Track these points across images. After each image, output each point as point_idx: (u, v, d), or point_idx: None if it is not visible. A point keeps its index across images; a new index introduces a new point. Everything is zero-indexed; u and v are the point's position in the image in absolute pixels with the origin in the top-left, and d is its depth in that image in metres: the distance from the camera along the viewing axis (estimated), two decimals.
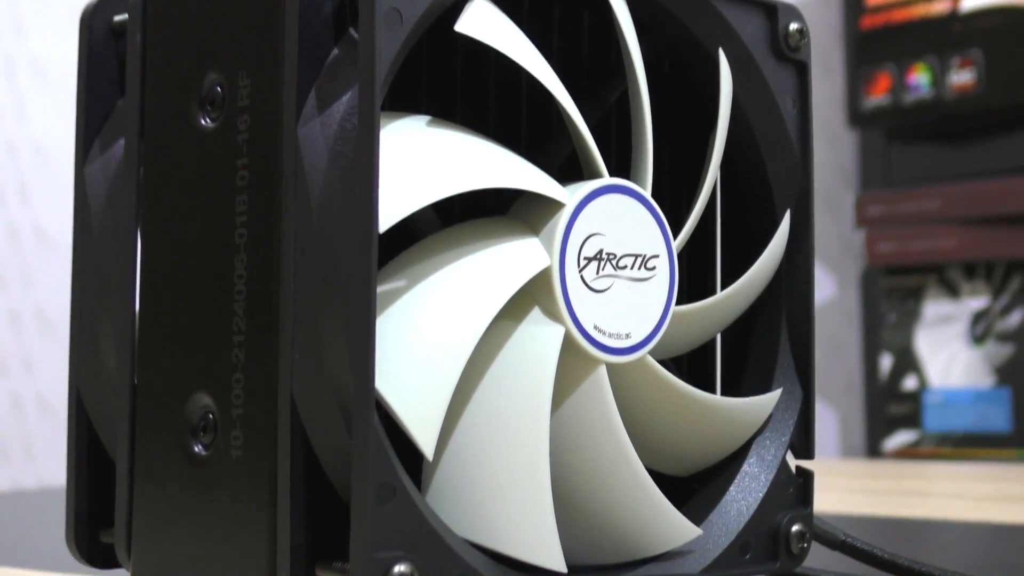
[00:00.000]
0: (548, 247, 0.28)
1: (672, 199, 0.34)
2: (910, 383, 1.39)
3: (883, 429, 1.40)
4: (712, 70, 0.32)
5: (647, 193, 0.30)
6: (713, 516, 0.32)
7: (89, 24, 0.33)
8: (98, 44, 0.33)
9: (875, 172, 1.47)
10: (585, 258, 0.28)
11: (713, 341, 0.35)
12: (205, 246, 0.28)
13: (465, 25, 0.27)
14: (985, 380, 1.33)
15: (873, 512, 0.71)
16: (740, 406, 0.32)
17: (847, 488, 0.92)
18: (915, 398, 1.38)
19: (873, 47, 1.42)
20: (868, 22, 1.43)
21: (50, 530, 0.66)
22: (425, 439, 0.26)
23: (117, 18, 0.33)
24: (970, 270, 1.36)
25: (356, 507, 0.25)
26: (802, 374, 0.33)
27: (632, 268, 0.29)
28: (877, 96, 1.40)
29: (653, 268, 0.30)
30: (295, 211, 0.26)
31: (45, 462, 1.30)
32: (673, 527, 0.30)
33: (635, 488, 0.29)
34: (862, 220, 1.42)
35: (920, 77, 1.38)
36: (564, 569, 0.28)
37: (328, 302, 0.26)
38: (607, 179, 0.29)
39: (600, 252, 0.29)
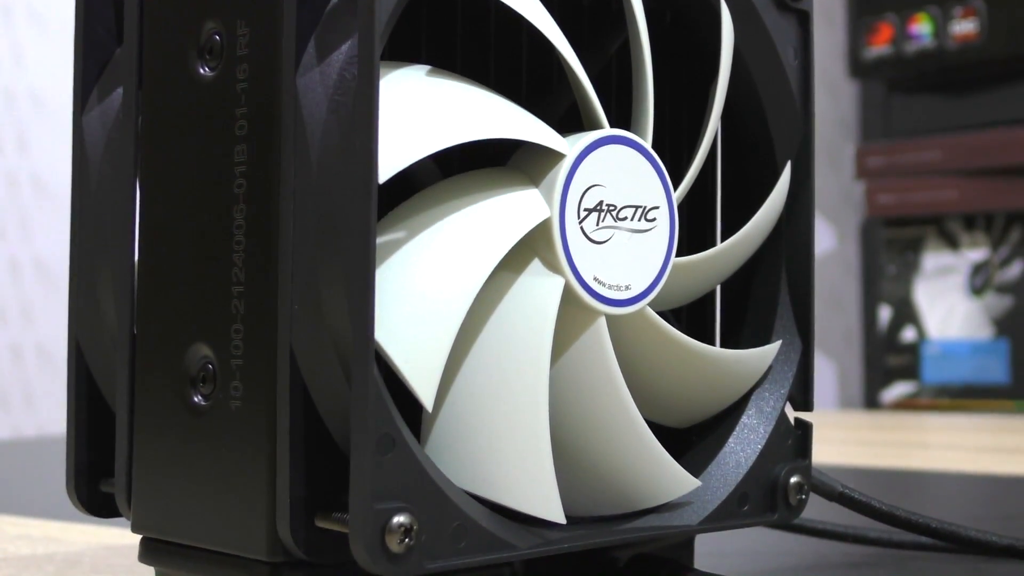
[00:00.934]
0: (548, 198, 0.28)
1: (673, 150, 0.34)
2: (909, 335, 1.39)
3: (881, 381, 1.40)
4: (714, 20, 0.32)
5: (648, 144, 0.30)
6: (712, 468, 0.32)
7: None
8: None
9: (875, 123, 1.46)
10: (585, 209, 0.28)
11: (713, 292, 0.35)
12: (204, 196, 0.28)
13: None
14: (984, 332, 1.33)
15: (872, 463, 0.71)
16: (739, 358, 0.32)
17: (845, 440, 0.92)
18: (914, 350, 1.39)
19: None
20: None
21: (51, 479, 0.66)
22: (425, 390, 0.26)
23: None
24: (970, 222, 1.36)
25: (355, 458, 0.25)
26: (802, 326, 0.33)
27: (632, 219, 0.29)
28: (879, 46, 1.40)
29: (653, 219, 0.30)
30: (294, 161, 0.26)
31: (45, 410, 1.30)
32: (672, 478, 0.30)
33: (634, 439, 0.29)
34: (862, 172, 1.41)
35: (922, 27, 1.37)
36: (563, 520, 0.28)
37: (327, 253, 0.26)
38: (607, 130, 0.29)
39: (600, 203, 0.29)
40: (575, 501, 0.29)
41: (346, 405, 0.26)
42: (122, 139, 0.31)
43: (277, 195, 0.26)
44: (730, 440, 0.32)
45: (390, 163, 0.25)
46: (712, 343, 0.35)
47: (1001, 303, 1.34)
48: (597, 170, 0.29)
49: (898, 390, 1.40)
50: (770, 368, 0.33)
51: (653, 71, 0.30)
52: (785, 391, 0.33)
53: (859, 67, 1.42)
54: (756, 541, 0.41)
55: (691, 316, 0.35)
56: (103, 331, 0.31)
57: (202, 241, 0.28)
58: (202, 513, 0.28)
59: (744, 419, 0.33)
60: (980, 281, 1.36)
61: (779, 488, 0.32)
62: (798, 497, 0.33)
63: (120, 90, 0.31)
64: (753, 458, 0.32)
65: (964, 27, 1.33)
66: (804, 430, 0.33)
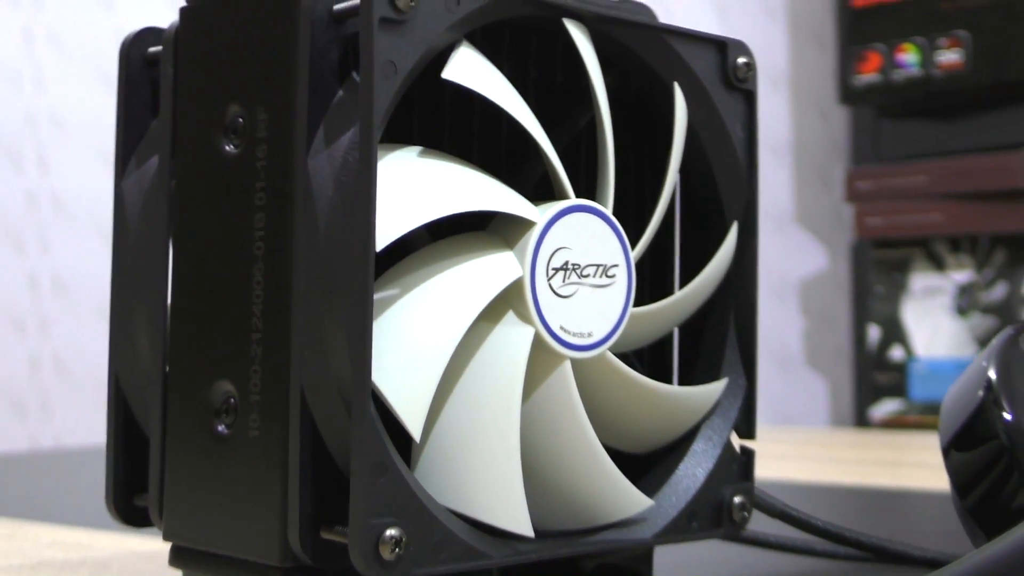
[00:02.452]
0: (521, 260, 0.33)
1: (637, 211, 0.39)
2: (897, 353, 1.44)
3: (870, 398, 1.45)
4: (670, 99, 0.37)
5: (608, 211, 0.34)
6: (665, 489, 0.37)
7: (127, 54, 0.37)
8: (134, 72, 0.37)
9: (866, 147, 1.51)
10: (553, 268, 0.33)
11: (671, 336, 0.40)
12: (228, 255, 0.33)
13: (450, 72, 0.32)
14: (969, 351, 1.38)
15: (862, 482, 0.75)
16: (690, 393, 0.37)
17: (835, 459, 0.96)
18: (901, 368, 1.43)
19: (864, 26, 1.45)
20: (859, 1, 1.47)
21: (75, 489, 0.71)
22: (413, 424, 0.31)
23: (151, 50, 0.37)
24: (955, 244, 1.41)
25: (354, 481, 0.30)
26: (746, 366, 0.38)
27: (594, 276, 0.34)
28: (868, 74, 1.44)
29: (613, 276, 0.34)
30: (305, 230, 0.31)
31: (61, 421, 1.35)
32: (628, 498, 0.35)
33: (595, 465, 0.34)
34: (851, 194, 1.46)
35: (909, 56, 1.42)
36: (532, 534, 0.33)
37: (332, 307, 0.31)
38: (572, 200, 0.34)
39: (566, 263, 0.33)
40: (544, 517, 0.34)
41: (347, 436, 0.31)
42: (157, 201, 0.36)
43: (290, 257, 0.31)
44: (682, 465, 0.37)
45: (385, 234, 0.30)
46: (670, 379, 0.39)
47: (986, 323, 1.39)
48: (563, 235, 0.33)
49: (887, 407, 1.45)
50: (718, 402, 0.38)
51: (620, 142, 0.35)
52: (731, 422, 0.38)
53: (849, 94, 1.47)
54: (712, 553, 0.45)
55: (652, 356, 0.40)
56: (138, 367, 0.36)
57: (225, 293, 0.33)
58: (224, 525, 0.33)
59: (694, 447, 0.37)
60: (966, 302, 1.41)
61: (724, 507, 0.37)
62: (741, 514, 0.38)
63: (155, 158, 0.36)
64: (701, 481, 0.37)
65: (949, 57, 1.38)
66: (748, 456, 0.38)
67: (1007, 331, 0.35)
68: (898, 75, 1.42)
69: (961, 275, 1.40)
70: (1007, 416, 0.32)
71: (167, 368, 0.35)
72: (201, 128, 0.34)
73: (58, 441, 1.33)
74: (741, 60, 0.38)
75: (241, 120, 0.33)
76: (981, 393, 0.33)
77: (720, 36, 0.37)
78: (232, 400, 0.33)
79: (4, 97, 1.39)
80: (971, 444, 0.33)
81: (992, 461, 0.32)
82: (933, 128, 1.45)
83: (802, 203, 1.64)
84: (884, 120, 1.48)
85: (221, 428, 0.33)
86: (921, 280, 1.44)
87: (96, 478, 0.40)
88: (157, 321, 0.35)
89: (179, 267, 0.35)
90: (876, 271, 1.47)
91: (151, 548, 0.49)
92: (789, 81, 1.64)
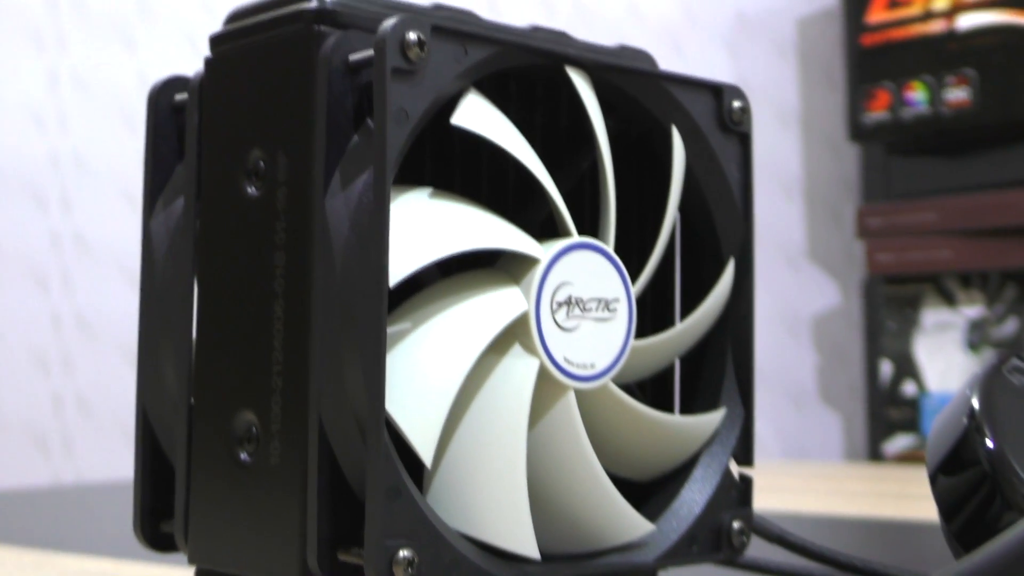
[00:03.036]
0: (526, 295, 0.35)
1: (639, 248, 0.41)
2: (909, 389, 1.45)
3: (883, 433, 1.46)
4: (669, 141, 0.39)
5: (610, 248, 0.36)
6: (666, 514, 0.38)
7: (155, 102, 0.39)
8: (161, 118, 0.39)
9: (877, 184, 1.53)
10: (557, 303, 0.35)
11: (672, 367, 0.41)
12: (250, 291, 0.35)
13: (459, 118, 0.34)
14: None
15: (873, 514, 0.77)
16: (690, 423, 0.39)
17: (840, 491, 0.98)
18: (914, 403, 1.44)
19: (873, 64, 1.48)
20: (868, 40, 1.49)
21: (100, 521, 0.73)
22: (425, 451, 0.32)
23: (177, 97, 0.39)
24: (966, 280, 1.42)
25: (369, 505, 0.32)
26: (744, 396, 0.40)
27: (596, 310, 0.36)
28: (877, 112, 1.46)
29: (615, 310, 0.36)
30: (322, 267, 0.33)
31: (83, 458, 1.37)
32: (631, 523, 0.37)
33: (598, 491, 0.36)
34: (862, 231, 1.48)
35: (917, 94, 1.44)
36: (538, 556, 0.34)
37: (348, 340, 0.33)
38: (575, 238, 0.36)
39: (569, 298, 0.35)
40: (550, 541, 0.36)
41: (362, 462, 0.33)
42: (182, 241, 0.38)
43: (309, 294, 0.33)
44: (683, 491, 0.39)
45: (397, 271, 0.32)
46: (671, 409, 0.41)
47: None
48: (567, 271, 0.35)
49: (900, 442, 1.46)
50: (717, 431, 0.40)
51: (622, 182, 0.37)
52: (729, 450, 0.40)
53: (858, 131, 1.49)
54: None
55: (654, 386, 0.42)
56: (165, 398, 0.38)
57: (247, 327, 0.35)
58: (246, 547, 0.35)
59: (694, 474, 0.39)
60: (977, 337, 1.42)
61: (724, 532, 0.39)
62: (740, 539, 0.39)
63: (181, 200, 0.38)
64: (701, 506, 0.39)
65: (957, 95, 1.40)
66: (746, 483, 0.40)
67: (991, 360, 0.37)
68: (907, 113, 1.44)
69: (972, 310, 1.41)
70: (989, 444, 0.34)
71: (192, 399, 0.37)
72: (224, 172, 0.36)
73: (79, 477, 1.35)
74: (736, 104, 0.40)
75: (262, 164, 0.35)
76: (965, 421, 0.34)
77: (716, 81, 0.39)
78: (254, 429, 0.35)
79: (29, 138, 1.42)
80: (956, 470, 0.35)
81: (975, 487, 0.34)
82: (943, 165, 1.46)
83: (814, 240, 1.66)
84: (894, 157, 1.50)
85: (244, 456, 0.35)
86: (932, 316, 1.45)
87: (118, 510, 0.42)
88: (183, 355, 0.37)
89: (204, 303, 0.36)
90: (888, 307, 1.48)
91: (174, 574, 0.50)
92: (800, 119, 1.66)
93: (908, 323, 1.46)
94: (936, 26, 1.44)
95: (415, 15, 0.33)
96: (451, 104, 0.34)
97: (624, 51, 0.41)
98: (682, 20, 1.63)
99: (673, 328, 0.38)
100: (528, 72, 0.38)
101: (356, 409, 0.33)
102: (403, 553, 0.32)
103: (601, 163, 0.37)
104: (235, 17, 0.37)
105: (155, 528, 0.39)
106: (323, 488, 0.33)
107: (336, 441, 0.33)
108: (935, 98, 1.42)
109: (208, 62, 0.37)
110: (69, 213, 1.42)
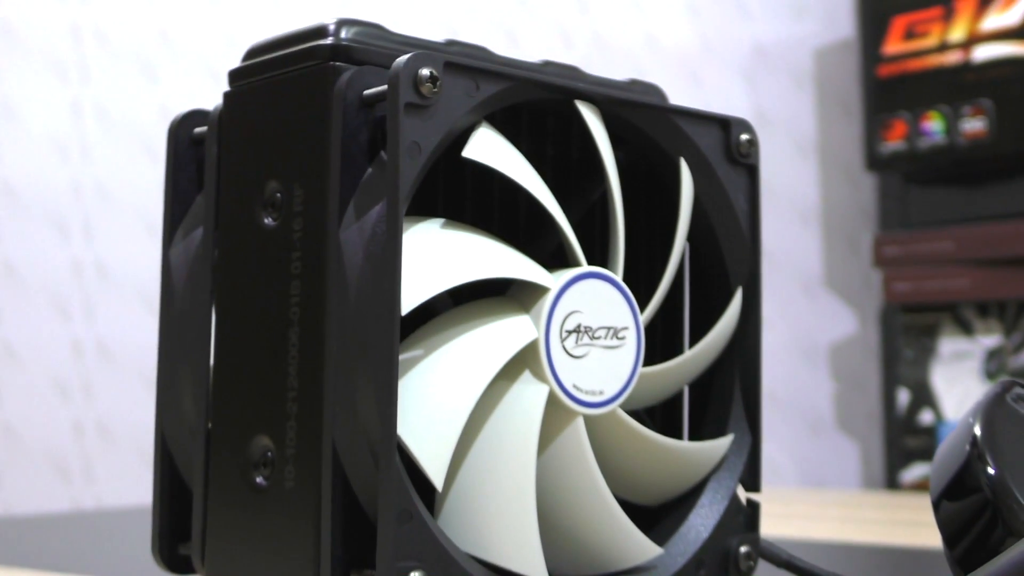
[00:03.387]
0: (536, 323, 0.35)
1: (648, 278, 0.41)
2: (926, 417, 1.45)
3: (901, 462, 1.46)
4: (678, 173, 0.40)
5: (618, 277, 0.37)
6: (674, 538, 0.39)
7: (175, 134, 0.40)
8: (181, 150, 0.40)
9: (894, 213, 1.53)
10: (566, 331, 0.36)
11: (681, 394, 0.42)
12: (266, 319, 0.36)
13: (471, 151, 0.35)
14: None
15: (879, 540, 0.77)
16: (698, 449, 0.39)
17: (855, 519, 0.98)
18: (931, 432, 1.44)
19: (889, 95, 1.48)
20: (885, 71, 1.50)
21: (119, 546, 0.74)
22: (437, 475, 0.33)
23: (197, 130, 0.40)
24: (983, 309, 1.42)
25: (381, 528, 0.32)
26: (751, 422, 0.41)
27: (605, 338, 0.37)
28: (893, 142, 1.47)
29: (623, 338, 0.37)
30: (337, 296, 0.34)
31: (104, 483, 1.38)
32: (638, 546, 0.38)
33: (606, 515, 0.37)
34: (879, 260, 1.48)
35: (934, 124, 1.44)
36: None
37: (361, 367, 0.33)
38: (584, 267, 0.36)
39: (579, 326, 0.36)
40: (559, 564, 0.36)
41: (375, 486, 0.33)
42: (201, 270, 0.39)
43: (323, 322, 0.34)
44: (690, 516, 0.40)
45: (409, 300, 0.33)
46: (680, 435, 0.42)
47: None
48: (576, 299, 0.36)
49: (916, 471, 1.46)
50: (725, 457, 0.40)
51: (632, 213, 0.38)
52: (737, 476, 0.40)
53: (875, 161, 1.50)
54: None
55: (664, 413, 0.42)
56: (183, 423, 0.39)
57: (263, 354, 0.36)
58: (262, 569, 0.35)
59: (702, 499, 0.40)
60: (994, 366, 1.42)
61: (731, 556, 0.40)
62: (747, 563, 0.40)
63: (200, 230, 0.39)
64: (709, 531, 0.39)
65: (974, 125, 1.41)
66: (753, 508, 0.40)
67: (994, 388, 0.37)
68: (923, 143, 1.45)
69: (989, 339, 1.41)
70: (991, 471, 0.34)
71: (209, 425, 0.38)
72: (242, 202, 0.37)
73: (100, 503, 1.36)
74: (744, 137, 0.40)
75: (279, 195, 0.36)
76: (967, 448, 0.35)
77: (724, 115, 0.40)
78: (270, 454, 0.35)
79: (52, 167, 1.44)
80: (958, 497, 0.35)
81: (977, 513, 0.35)
82: (959, 195, 1.47)
83: (831, 269, 1.66)
84: (911, 187, 1.51)
85: (259, 480, 0.36)
86: (950, 344, 1.45)
87: (137, 534, 0.42)
88: (201, 381, 0.38)
89: (221, 330, 0.37)
90: (905, 335, 1.48)
91: None
92: (817, 148, 1.66)
93: (925, 352, 1.46)
94: (952, 57, 1.45)
95: (428, 51, 0.34)
96: (463, 137, 0.35)
97: (635, 85, 0.41)
98: (700, 51, 1.64)
99: (681, 356, 0.39)
100: (539, 105, 0.38)
101: (369, 434, 0.33)
102: (414, 575, 0.33)
103: (610, 194, 0.38)
104: (254, 53, 0.38)
105: (173, 550, 0.40)
106: (336, 511, 0.34)
107: (349, 465, 0.34)
108: (951, 128, 1.42)
109: (227, 96, 0.38)
110: (91, 241, 1.44)
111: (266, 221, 0.36)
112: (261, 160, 0.37)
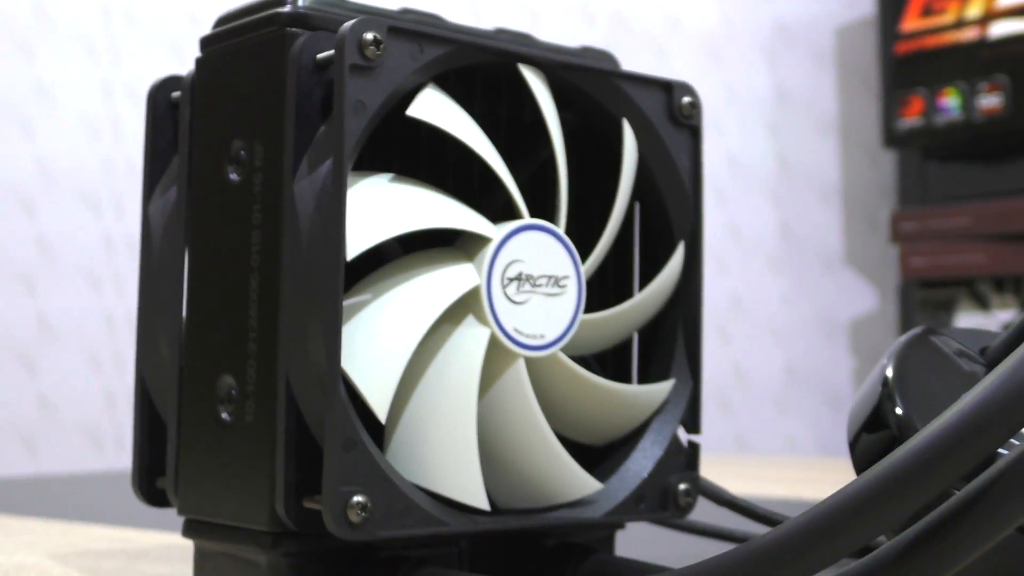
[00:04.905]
0: (479, 270, 0.38)
1: (601, 231, 0.44)
2: None
3: None
4: (622, 134, 0.42)
5: (561, 230, 0.40)
6: (616, 475, 0.42)
7: (154, 99, 0.43)
8: (159, 114, 0.43)
9: (912, 190, 1.54)
10: (508, 278, 0.39)
11: (632, 341, 0.45)
12: (231, 267, 0.39)
13: (415, 110, 0.38)
14: None
15: None
16: (639, 391, 0.42)
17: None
18: None
19: (907, 72, 1.49)
20: (902, 48, 1.51)
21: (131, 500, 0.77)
22: (379, 406, 0.36)
23: (174, 95, 0.43)
24: (999, 284, 1.44)
25: (327, 455, 0.35)
26: (692, 368, 0.43)
27: (546, 286, 0.39)
28: (910, 118, 1.48)
29: (564, 286, 0.40)
30: (291, 244, 0.37)
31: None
32: (579, 481, 0.40)
33: (547, 450, 0.39)
34: (896, 236, 1.50)
35: (950, 100, 1.45)
36: (487, 506, 0.38)
37: (312, 309, 0.36)
38: (526, 220, 0.39)
39: (520, 274, 0.39)
40: (504, 497, 0.39)
41: (323, 417, 0.36)
42: (176, 223, 0.42)
43: (279, 268, 0.37)
44: (633, 455, 0.42)
45: (354, 246, 0.36)
46: (630, 380, 0.45)
47: None
48: (518, 250, 0.39)
49: None
50: (667, 400, 0.43)
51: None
52: (678, 418, 0.43)
53: (893, 137, 1.51)
54: (672, 544, 0.50)
55: (616, 359, 0.45)
56: (160, 366, 0.42)
57: (229, 299, 0.39)
58: (226, 498, 0.38)
59: (644, 439, 0.42)
60: None
61: (671, 493, 0.42)
62: (686, 500, 0.42)
63: (175, 188, 0.42)
64: (649, 468, 0.42)
65: (990, 101, 1.42)
66: (694, 449, 0.43)
67: (914, 331, 0.40)
68: (940, 119, 1.46)
69: (1006, 314, 1.43)
70: (898, 410, 0.37)
71: (181, 365, 0.41)
72: (211, 160, 0.40)
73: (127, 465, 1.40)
74: (686, 100, 0.43)
75: (243, 153, 0.39)
76: (879, 389, 0.37)
77: (666, 78, 0.43)
78: (233, 391, 0.38)
79: (85, 146, 1.47)
80: (870, 436, 0.38)
81: (886, 451, 0.37)
82: (976, 171, 1.48)
83: (851, 245, 1.68)
84: (930, 163, 1.52)
85: (224, 415, 0.39)
86: (966, 319, 1.46)
87: None
88: (175, 325, 0.41)
89: (193, 278, 0.40)
90: (922, 311, 1.50)
91: (183, 542, 0.54)
92: (838, 126, 1.68)
93: (942, 326, 1.47)
94: (969, 34, 1.46)
95: (373, 17, 0.37)
96: (412, 97, 0.38)
97: (587, 51, 0.44)
98: (721, 30, 1.66)
99: (621, 305, 0.42)
100: (493, 71, 0.41)
101: (319, 370, 0.36)
102: (356, 499, 0.35)
103: (553, 153, 0.40)
104: (222, 21, 0.41)
105: (151, 485, 0.43)
106: (290, 442, 0.37)
107: (302, 400, 0.37)
108: (968, 104, 1.43)
109: (198, 61, 0.41)
110: (122, 218, 1.47)
111: (232, 176, 0.39)
112: (227, 120, 0.39)
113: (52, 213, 1.42)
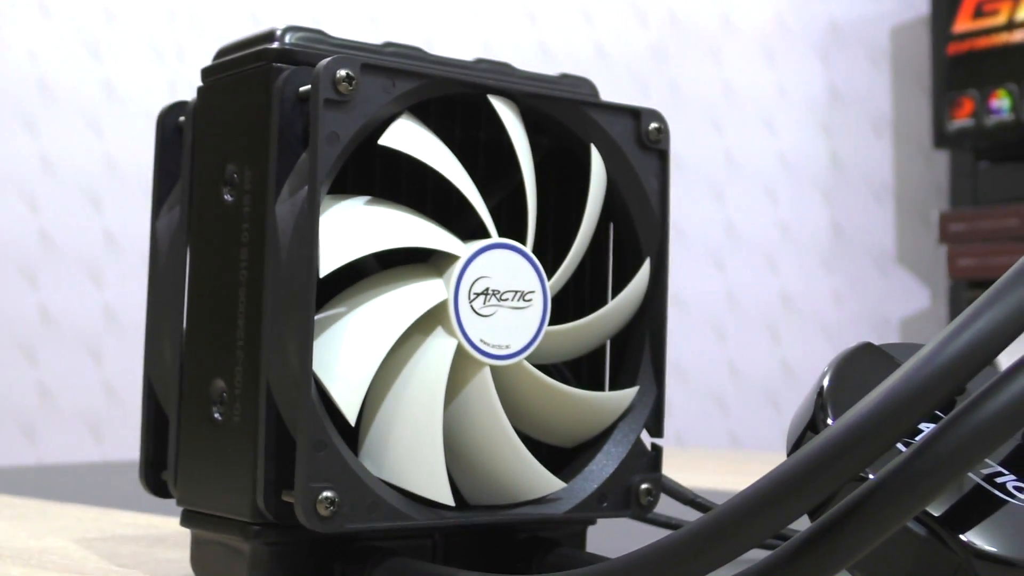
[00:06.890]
0: (447, 286, 0.42)
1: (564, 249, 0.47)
2: None
3: None
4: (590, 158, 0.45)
5: (528, 248, 0.43)
6: (581, 475, 0.45)
7: (162, 123, 0.47)
8: (167, 136, 0.47)
9: (964, 190, 1.55)
10: (475, 293, 0.42)
11: (604, 351, 0.48)
12: (223, 280, 0.42)
13: (386, 139, 0.41)
14: None
15: None
16: (604, 397, 0.45)
17: None
18: None
19: (958, 73, 1.50)
20: (954, 49, 1.51)
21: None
22: (349, 409, 0.40)
23: (180, 119, 0.47)
24: None
25: (299, 454, 0.39)
26: (657, 375, 0.46)
27: (512, 300, 0.43)
28: (961, 119, 1.49)
29: (530, 300, 0.43)
30: (272, 261, 0.40)
31: (136, 440, 1.48)
32: (542, 480, 0.43)
33: (511, 452, 0.43)
34: (945, 236, 1.51)
35: (1001, 102, 1.46)
36: (451, 502, 0.41)
37: (289, 320, 0.40)
38: (494, 239, 0.42)
39: (487, 289, 0.42)
40: (473, 493, 0.43)
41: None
42: (179, 239, 0.45)
43: (262, 282, 0.41)
44: (597, 456, 0.45)
45: (327, 263, 0.39)
46: (603, 387, 0.48)
47: None
48: (485, 267, 0.42)
49: None
50: (632, 405, 0.46)
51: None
52: (642, 422, 0.46)
53: (943, 138, 1.52)
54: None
55: (590, 368, 0.48)
56: (164, 368, 0.46)
57: (221, 309, 0.42)
58: (216, 491, 0.42)
59: (609, 442, 0.46)
60: None
61: (633, 492, 0.45)
62: (648, 499, 0.45)
63: (179, 206, 0.46)
64: (612, 469, 0.45)
65: None
66: (656, 451, 0.46)
67: (856, 344, 0.42)
68: (990, 120, 1.47)
69: None
70: (830, 421, 0.39)
71: (181, 368, 0.44)
72: (209, 181, 0.44)
73: (135, 455, 1.46)
74: (653, 125, 0.46)
75: (235, 176, 0.42)
76: (815, 399, 0.40)
77: (634, 106, 0.46)
78: (224, 394, 0.42)
79: (86, 143, 1.53)
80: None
81: None
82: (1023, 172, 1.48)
83: (903, 245, 1.69)
84: (981, 164, 1.53)
85: (216, 415, 0.42)
86: None
87: None
88: (176, 331, 0.45)
89: (192, 289, 0.44)
90: None
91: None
92: (892, 126, 1.69)
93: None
94: (1020, 35, 1.46)
95: (347, 54, 0.40)
96: (387, 126, 0.42)
97: (565, 79, 0.47)
98: (776, 30, 1.67)
99: (586, 318, 0.45)
100: (472, 99, 0.44)
101: (295, 376, 0.40)
102: (326, 494, 0.39)
103: (523, 177, 0.43)
104: (221, 53, 0.44)
105: (156, 477, 0.47)
106: (270, 442, 0.40)
107: (281, 403, 0.40)
108: (1018, 106, 1.44)
109: (199, 90, 0.45)
110: (123, 214, 1.52)
111: (226, 197, 0.43)
112: (222, 145, 0.43)
113: (54, 208, 1.48)
